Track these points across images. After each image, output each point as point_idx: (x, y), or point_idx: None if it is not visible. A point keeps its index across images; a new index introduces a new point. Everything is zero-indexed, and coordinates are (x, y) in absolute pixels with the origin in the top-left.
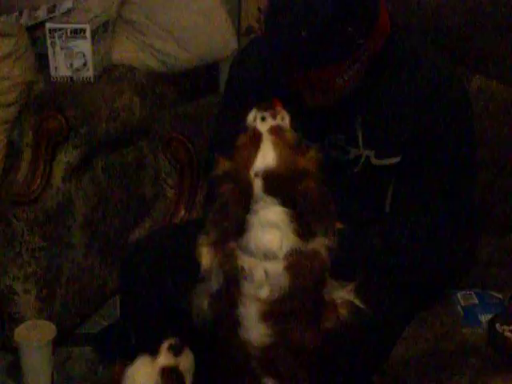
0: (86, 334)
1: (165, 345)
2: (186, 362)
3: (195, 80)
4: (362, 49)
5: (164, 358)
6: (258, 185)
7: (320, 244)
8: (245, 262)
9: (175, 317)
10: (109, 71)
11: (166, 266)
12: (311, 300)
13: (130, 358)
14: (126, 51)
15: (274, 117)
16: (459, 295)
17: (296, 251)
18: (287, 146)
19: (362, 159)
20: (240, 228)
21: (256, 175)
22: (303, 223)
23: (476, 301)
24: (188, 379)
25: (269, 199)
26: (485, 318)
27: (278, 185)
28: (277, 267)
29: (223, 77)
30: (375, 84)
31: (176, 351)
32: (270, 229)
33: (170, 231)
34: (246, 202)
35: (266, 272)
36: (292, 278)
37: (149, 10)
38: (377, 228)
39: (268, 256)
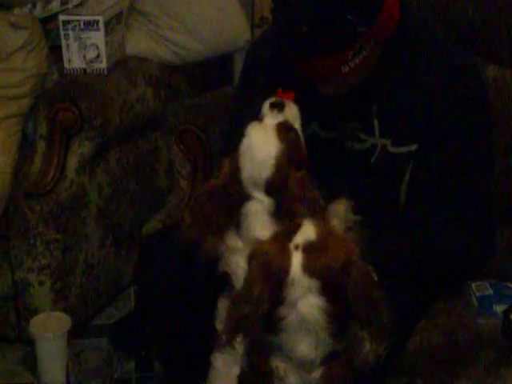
0: (100, 325)
1: (266, 106)
2: (291, 112)
3: (209, 71)
4: (366, 37)
5: (271, 118)
6: (296, 260)
7: (355, 340)
8: (279, 365)
9: (189, 309)
10: (122, 63)
11: (180, 258)
12: None
13: (145, 349)
14: (139, 43)
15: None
16: (474, 286)
17: (332, 355)
18: (327, 228)
19: (379, 148)
20: (269, 318)
21: (296, 247)
22: (341, 320)
23: (491, 291)
24: (298, 127)
25: (307, 282)
26: (500, 308)
27: (320, 263)
28: (312, 375)
29: (237, 68)
30: (390, 71)
31: (279, 107)
32: (305, 334)
33: None
34: (278, 283)
35: (301, 378)
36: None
37: (162, 1)
38: (393, 219)
39: (304, 364)
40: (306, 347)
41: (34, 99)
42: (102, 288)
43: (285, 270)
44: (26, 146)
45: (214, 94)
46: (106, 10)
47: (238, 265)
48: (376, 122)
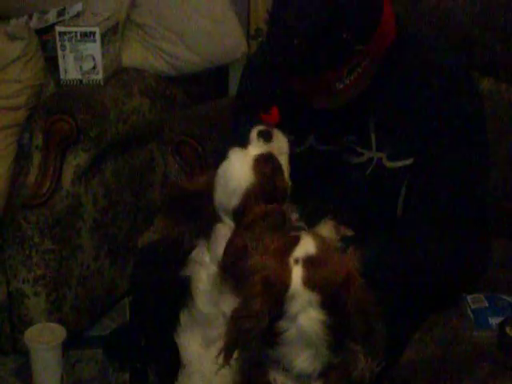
0: (95, 336)
1: (254, 133)
2: (278, 145)
3: (205, 83)
4: (362, 54)
5: (255, 147)
6: (297, 274)
7: (351, 354)
8: (277, 378)
9: None
10: (118, 74)
11: (176, 270)
12: None
13: (139, 360)
14: (136, 54)
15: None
16: (469, 298)
17: (329, 368)
18: (326, 242)
19: (374, 161)
20: (266, 331)
21: (295, 262)
22: (340, 333)
23: (486, 304)
24: (284, 161)
25: (307, 296)
26: (495, 321)
27: (320, 276)
28: None
29: (232, 79)
30: (387, 85)
31: (266, 137)
32: (304, 348)
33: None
34: (278, 298)
35: None
36: None
37: (158, 13)
38: (389, 233)
39: (301, 377)
40: (304, 360)
41: (30, 110)
42: (96, 299)
43: (285, 284)
44: (21, 157)
45: (210, 106)
46: (102, 21)
47: (200, 279)
48: (373, 136)
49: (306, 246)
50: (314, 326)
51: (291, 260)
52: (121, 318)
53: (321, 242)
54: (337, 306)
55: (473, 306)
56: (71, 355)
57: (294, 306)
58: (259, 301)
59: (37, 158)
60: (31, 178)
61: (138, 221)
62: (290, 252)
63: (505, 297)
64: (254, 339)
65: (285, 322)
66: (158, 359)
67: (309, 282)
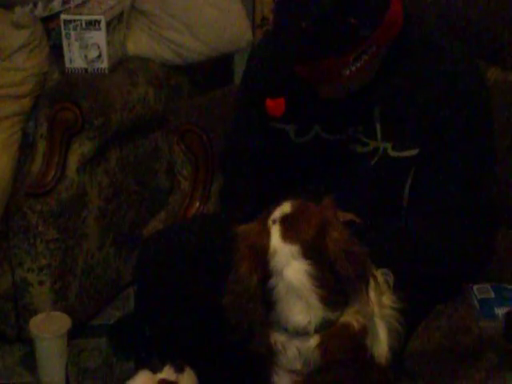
0: (100, 325)
1: (168, 365)
2: (187, 380)
3: (210, 71)
4: (369, 41)
5: (164, 374)
6: (275, 232)
7: (352, 313)
8: (277, 338)
9: (189, 310)
10: (123, 63)
11: (181, 259)
12: (346, 371)
13: (144, 350)
14: (141, 43)
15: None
16: (475, 288)
17: (326, 323)
18: (304, 203)
19: (380, 151)
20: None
21: (273, 222)
22: (329, 284)
23: (492, 294)
24: None
25: (287, 249)
26: (501, 311)
27: (296, 228)
28: (308, 344)
29: (238, 68)
30: (393, 75)
31: (177, 368)
32: (296, 301)
33: (185, 224)
34: (262, 257)
35: (298, 349)
36: (324, 354)
37: (163, 2)
38: (394, 222)
39: (299, 332)
40: (298, 313)
41: (34, 98)
42: (101, 288)
43: (265, 243)
44: (26, 146)
45: (216, 94)
46: (107, 9)
47: None
48: (378, 126)
49: (283, 208)
50: (299, 277)
51: (269, 222)
52: (126, 307)
53: (298, 202)
54: (318, 253)
55: (479, 296)
56: (76, 344)
57: (278, 262)
58: (245, 263)
59: (42, 146)
60: (36, 167)
61: (142, 210)
62: (269, 217)
63: (511, 287)
64: (250, 301)
65: (273, 278)
66: (165, 347)
67: (286, 236)
